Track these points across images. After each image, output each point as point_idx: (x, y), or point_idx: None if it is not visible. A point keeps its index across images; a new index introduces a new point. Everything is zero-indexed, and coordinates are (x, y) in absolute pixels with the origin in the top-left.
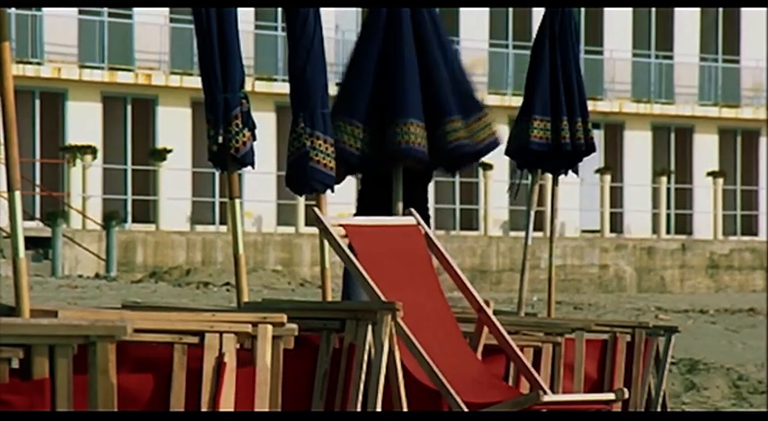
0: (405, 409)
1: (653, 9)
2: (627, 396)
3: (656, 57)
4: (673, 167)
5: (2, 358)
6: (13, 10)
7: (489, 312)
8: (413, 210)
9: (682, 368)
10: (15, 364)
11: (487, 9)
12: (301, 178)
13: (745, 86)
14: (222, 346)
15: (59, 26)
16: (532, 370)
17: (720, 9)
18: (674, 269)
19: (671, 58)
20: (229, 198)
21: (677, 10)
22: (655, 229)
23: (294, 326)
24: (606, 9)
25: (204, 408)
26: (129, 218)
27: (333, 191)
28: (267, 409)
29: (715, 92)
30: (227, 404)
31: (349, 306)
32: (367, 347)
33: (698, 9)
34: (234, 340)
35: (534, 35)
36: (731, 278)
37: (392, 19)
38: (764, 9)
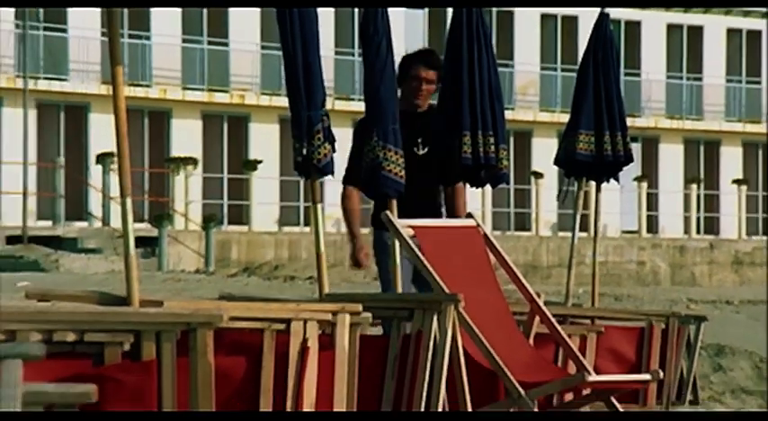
0: (466, 389)
1: (684, 36)
2: (662, 376)
3: (688, 78)
4: (702, 176)
5: (115, 342)
6: (125, 39)
7: (540, 303)
8: (472, 213)
9: (710, 352)
10: (127, 347)
11: (538, 36)
12: (375, 185)
13: (766, 104)
14: (306, 332)
15: (165, 53)
16: (579, 354)
17: (744, 36)
18: (703, 265)
19: (700, 79)
20: (312, 203)
21: (706, 37)
22: (686, 230)
23: (369, 314)
24: (644, 36)
25: (290, 388)
26: (226, 220)
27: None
28: (346, 389)
29: (739, 109)
30: (310, 383)
31: (417, 297)
32: (433, 334)
33: (725, 36)
34: (316, 327)
35: (580, 59)
36: (753, 273)
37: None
38: None
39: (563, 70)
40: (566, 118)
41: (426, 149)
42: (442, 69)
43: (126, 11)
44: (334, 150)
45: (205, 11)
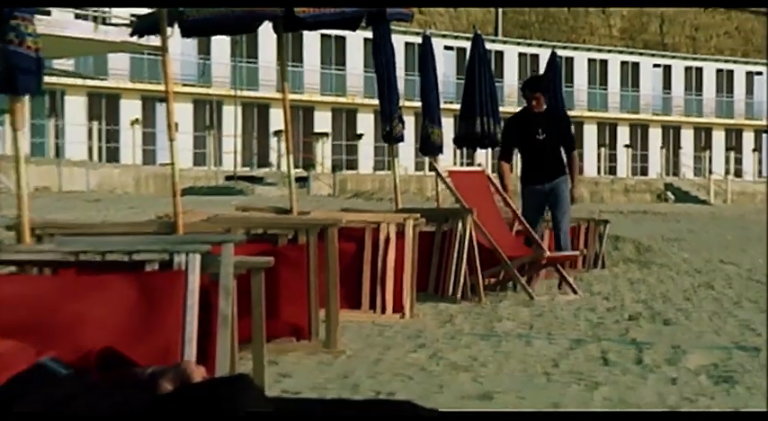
0: (477, 260)
1: (598, 66)
2: (585, 253)
3: (599, 89)
4: (607, 143)
5: (284, 234)
6: (290, 68)
7: (518, 213)
8: (481, 163)
9: (611, 239)
10: (290, 237)
11: (517, 64)
12: (426, 148)
13: (643, 102)
14: (388, 229)
15: (311, 74)
16: (539, 240)
17: (630, 67)
18: (607, 192)
19: (606, 89)
20: (391, 157)
21: (610, 66)
22: (598, 172)
23: (423, 219)
24: (576, 65)
25: (380, 260)
26: (344, 167)
27: (442, 153)
28: (411, 261)
29: (628, 107)
30: (390, 258)
31: (449, 209)
32: (459, 230)
33: (619, 65)
34: (395, 226)
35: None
36: (635, 197)
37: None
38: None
39: None
40: None
41: (545, 135)
42: (543, 87)
43: (290, 50)
44: (403, 128)
45: (333, 51)
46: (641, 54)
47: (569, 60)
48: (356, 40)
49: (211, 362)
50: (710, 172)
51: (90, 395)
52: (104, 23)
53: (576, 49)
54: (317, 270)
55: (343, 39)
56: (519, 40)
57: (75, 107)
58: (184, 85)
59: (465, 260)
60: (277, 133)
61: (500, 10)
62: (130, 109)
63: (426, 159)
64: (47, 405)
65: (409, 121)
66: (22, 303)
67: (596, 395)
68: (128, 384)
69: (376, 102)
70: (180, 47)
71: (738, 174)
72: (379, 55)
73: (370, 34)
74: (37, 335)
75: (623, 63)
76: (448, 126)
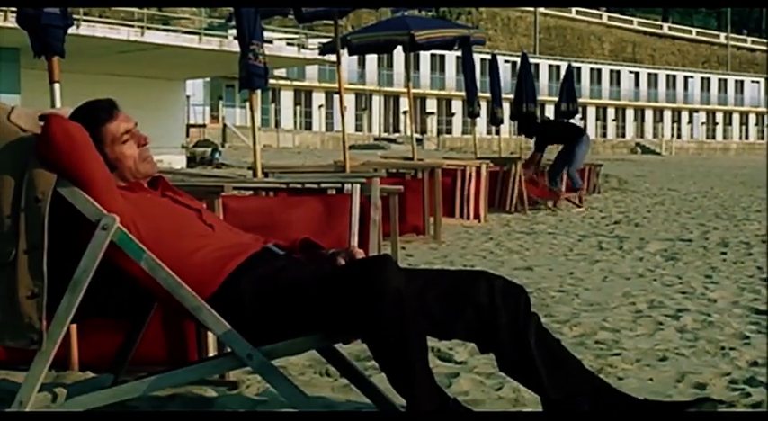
0: (523, 187)
1: (595, 74)
2: (586, 185)
3: (595, 86)
4: (601, 118)
5: (408, 172)
6: (412, 72)
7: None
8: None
9: (603, 176)
10: (412, 174)
11: (548, 74)
12: (493, 121)
13: (623, 94)
14: (471, 170)
15: (425, 77)
16: (566, 176)
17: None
18: (601, 148)
19: (600, 86)
20: (472, 126)
21: (582, 73)
22: (596, 136)
23: (491, 163)
24: (582, 76)
25: (466, 188)
26: (444, 133)
27: (503, 123)
28: (484, 189)
29: (613, 97)
30: (472, 187)
31: (507, 157)
32: (512, 170)
33: (587, 71)
34: (475, 168)
35: (562, 78)
36: (618, 150)
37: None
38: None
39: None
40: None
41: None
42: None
43: (412, 62)
44: (480, 109)
45: (438, 63)
46: (621, 65)
47: (578, 69)
48: (452, 56)
49: (366, 248)
50: (662, 135)
51: (295, 266)
52: (303, 48)
53: (582, 62)
54: (428, 193)
55: (443, 55)
56: (548, 57)
57: (286, 97)
58: (350, 84)
59: (516, 188)
60: (404, 112)
61: (537, 39)
62: (318, 98)
63: (493, 128)
64: (270, 271)
65: (483, 106)
66: (256, 212)
67: (595, 267)
68: (317, 260)
69: (463, 93)
70: (347, 61)
71: (679, 136)
72: (466, 65)
73: (460, 53)
74: (265, 231)
75: (611, 70)
76: (506, 108)
